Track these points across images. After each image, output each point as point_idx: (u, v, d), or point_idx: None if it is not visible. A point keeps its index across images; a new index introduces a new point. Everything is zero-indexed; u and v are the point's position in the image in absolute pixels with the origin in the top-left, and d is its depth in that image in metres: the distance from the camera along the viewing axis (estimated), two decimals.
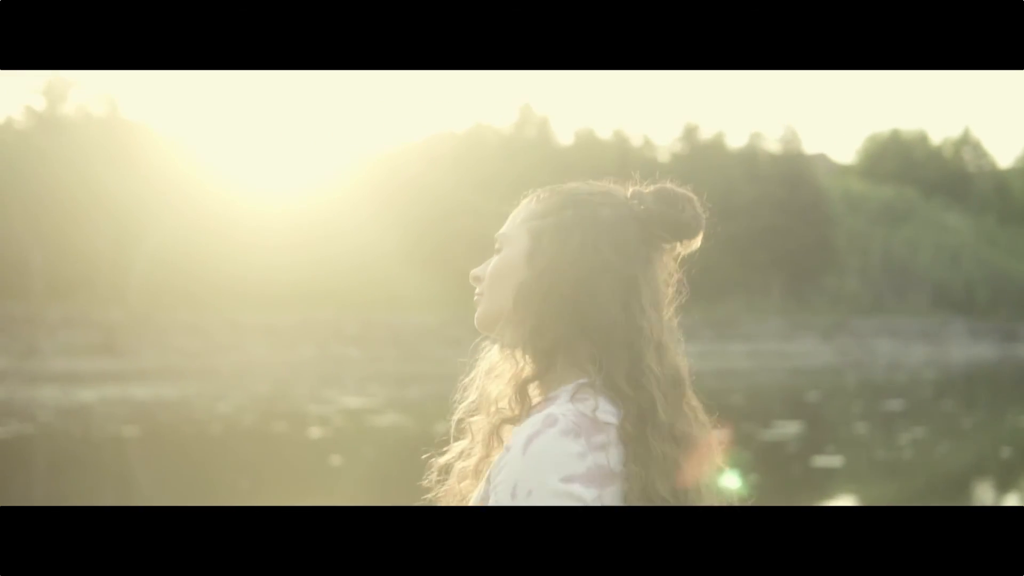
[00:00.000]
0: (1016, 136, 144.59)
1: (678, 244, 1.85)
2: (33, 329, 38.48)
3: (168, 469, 16.31)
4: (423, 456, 1.99)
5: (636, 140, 64.07)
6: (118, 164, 44.51)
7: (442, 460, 1.95)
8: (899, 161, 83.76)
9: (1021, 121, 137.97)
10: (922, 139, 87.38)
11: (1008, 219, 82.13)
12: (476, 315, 1.87)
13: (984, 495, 14.56)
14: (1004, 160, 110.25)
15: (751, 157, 65.73)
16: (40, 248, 41.67)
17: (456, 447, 1.93)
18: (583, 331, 1.79)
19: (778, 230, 62.76)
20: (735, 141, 68.96)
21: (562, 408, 1.74)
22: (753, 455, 15.07)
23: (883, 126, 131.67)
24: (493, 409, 1.86)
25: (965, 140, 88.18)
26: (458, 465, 1.92)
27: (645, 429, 1.74)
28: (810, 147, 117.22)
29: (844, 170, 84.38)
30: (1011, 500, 13.88)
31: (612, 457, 1.73)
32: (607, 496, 1.72)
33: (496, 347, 1.89)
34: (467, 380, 1.92)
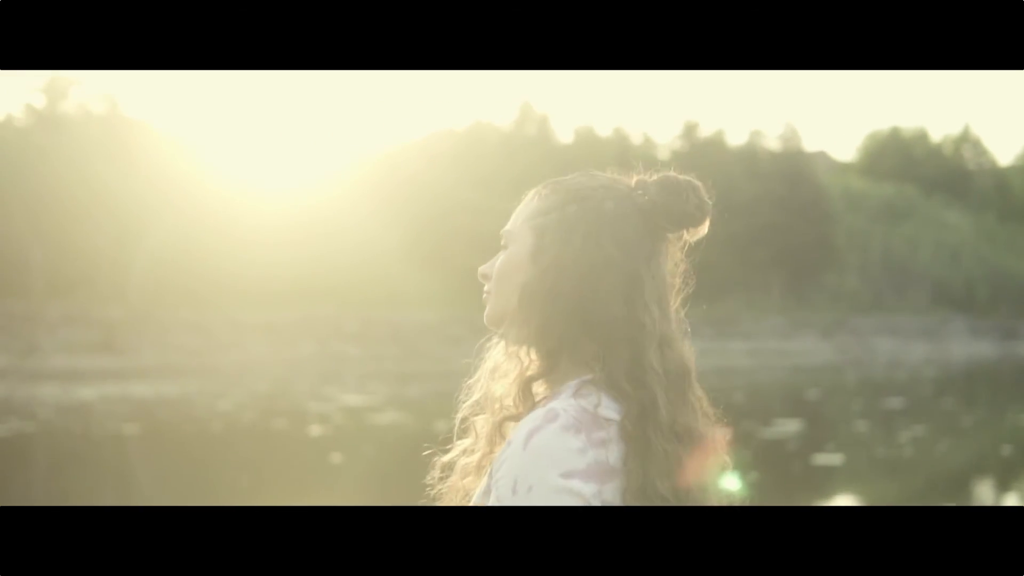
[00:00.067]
0: (1016, 134, 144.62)
1: (684, 232, 1.85)
2: (33, 327, 38.49)
3: (168, 467, 16.32)
4: (425, 453, 1.99)
5: (636, 138, 64.07)
6: (118, 162, 44.51)
7: (445, 458, 1.95)
8: (899, 159, 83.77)
9: (1021, 119, 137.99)
10: (922, 137, 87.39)
11: (1008, 217, 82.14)
12: (485, 313, 1.87)
13: (984, 493, 14.57)
14: (1004, 158, 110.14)
15: (751, 155, 65.74)
16: (40, 246, 41.68)
17: (459, 445, 1.94)
18: (587, 329, 1.79)
19: (778, 228, 62.77)
20: (735, 139, 69.00)
21: (564, 403, 1.74)
22: (753, 453, 15.07)
23: (883, 124, 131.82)
24: (497, 406, 1.87)
25: (965, 138, 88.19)
26: (461, 461, 1.93)
27: (646, 427, 1.74)
28: (810, 145, 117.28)
29: (844, 168, 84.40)
30: (1011, 499, 13.88)
31: (613, 453, 1.73)
32: (607, 492, 1.72)
33: (500, 347, 1.89)
34: (471, 380, 1.93)
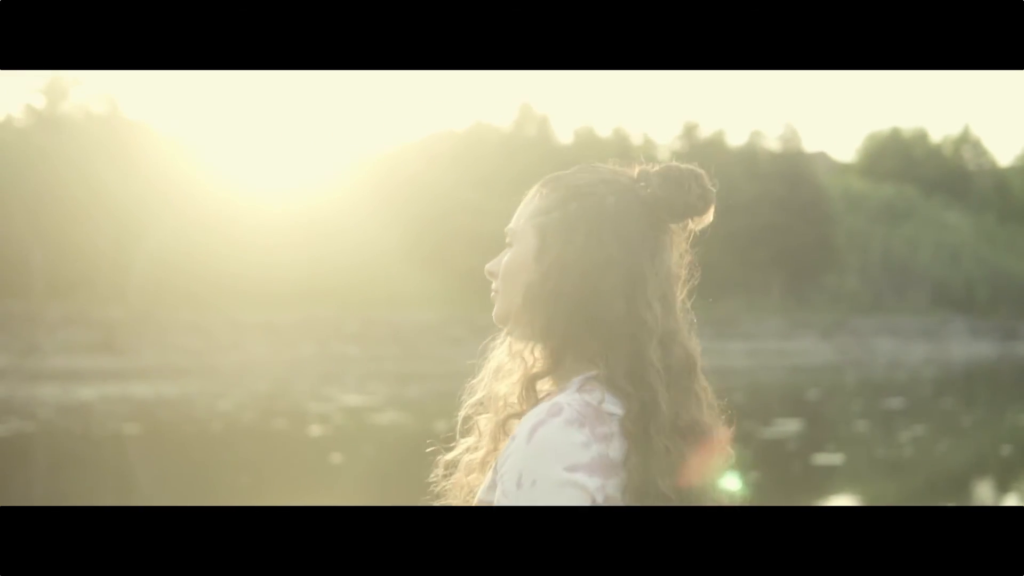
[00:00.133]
0: (1016, 135, 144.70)
1: (689, 221, 1.85)
2: (33, 327, 38.49)
3: (168, 467, 16.32)
4: (428, 449, 2.00)
5: (636, 138, 64.05)
6: (118, 163, 44.51)
7: (449, 456, 1.96)
8: (899, 159, 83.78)
9: (1021, 120, 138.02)
10: (922, 137, 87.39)
11: (1008, 217, 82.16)
12: (494, 311, 1.88)
13: (984, 493, 14.57)
14: (1004, 158, 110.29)
15: (751, 155, 65.74)
16: (40, 246, 41.69)
17: (463, 443, 1.94)
18: (589, 327, 1.80)
19: (778, 228, 62.77)
20: (735, 139, 69.06)
21: (568, 398, 1.75)
22: (753, 453, 15.07)
23: (883, 124, 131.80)
24: (501, 404, 1.88)
25: (965, 138, 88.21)
26: (465, 458, 1.93)
27: (648, 425, 1.74)
28: (810, 145, 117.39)
29: (844, 168, 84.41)
30: (1011, 499, 13.88)
31: (616, 448, 1.73)
32: (611, 486, 1.72)
33: (503, 347, 1.90)
34: (475, 381, 1.93)
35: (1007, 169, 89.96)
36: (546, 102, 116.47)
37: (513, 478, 1.71)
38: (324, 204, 47.81)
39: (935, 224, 75.07)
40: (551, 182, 1.87)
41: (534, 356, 1.86)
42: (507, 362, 1.89)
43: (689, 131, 65.92)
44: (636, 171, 1.86)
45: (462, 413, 1.94)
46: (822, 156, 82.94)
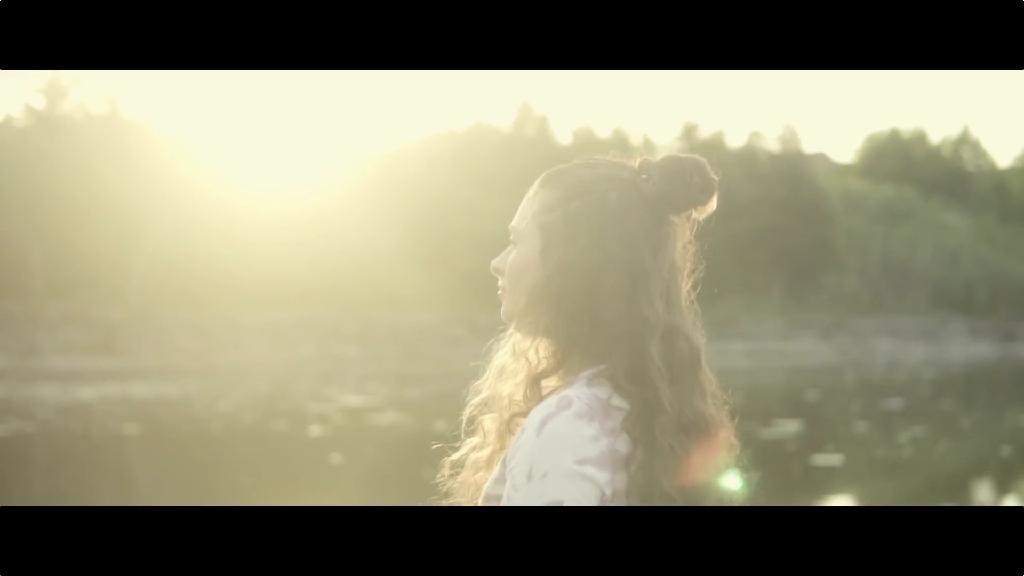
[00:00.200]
0: (1015, 136, 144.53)
1: (693, 211, 1.84)
2: (33, 327, 38.47)
3: (168, 467, 16.31)
4: (434, 447, 2.00)
5: (635, 139, 63.98)
6: (118, 163, 44.47)
7: (454, 456, 1.96)
8: (898, 160, 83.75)
9: (1020, 121, 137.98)
10: (921, 138, 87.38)
11: (1007, 218, 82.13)
12: (501, 310, 1.89)
13: (984, 494, 14.57)
14: (1003, 160, 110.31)
15: (750, 156, 65.71)
16: (40, 246, 41.67)
17: (468, 443, 1.95)
18: (593, 326, 1.80)
19: (777, 229, 62.75)
20: (734, 140, 69.07)
21: (578, 391, 1.75)
22: (753, 454, 15.06)
23: (882, 125, 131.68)
24: (506, 402, 1.88)
25: (964, 139, 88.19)
26: (472, 457, 1.93)
27: (651, 424, 1.75)
28: (809, 146, 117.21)
29: (843, 169, 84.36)
30: (1011, 499, 13.88)
31: (624, 443, 1.74)
32: (619, 481, 1.73)
33: (507, 347, 1.91)
34: (479, 381, 1.94)
35: (1006, 170, 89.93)
36: (545, 102, 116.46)
37: (524, 471, 1.71)
38: (324, 204, 47.78)
39: (934, 225, 75.05)
40: (553, 178, 1.87)
41: (538, 355, 1.86)
42: (511, 363, 1.89)
43: (688, 132, 65.89)
44: (637, 162, 1.85)
45: (467, 413, 1.94)
46: (821, 157, 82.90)
